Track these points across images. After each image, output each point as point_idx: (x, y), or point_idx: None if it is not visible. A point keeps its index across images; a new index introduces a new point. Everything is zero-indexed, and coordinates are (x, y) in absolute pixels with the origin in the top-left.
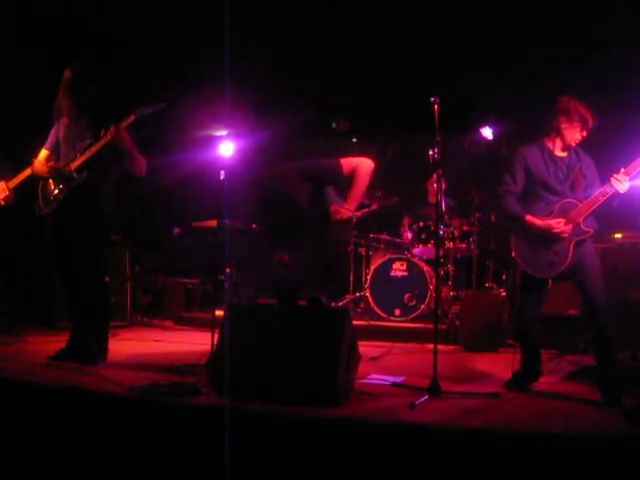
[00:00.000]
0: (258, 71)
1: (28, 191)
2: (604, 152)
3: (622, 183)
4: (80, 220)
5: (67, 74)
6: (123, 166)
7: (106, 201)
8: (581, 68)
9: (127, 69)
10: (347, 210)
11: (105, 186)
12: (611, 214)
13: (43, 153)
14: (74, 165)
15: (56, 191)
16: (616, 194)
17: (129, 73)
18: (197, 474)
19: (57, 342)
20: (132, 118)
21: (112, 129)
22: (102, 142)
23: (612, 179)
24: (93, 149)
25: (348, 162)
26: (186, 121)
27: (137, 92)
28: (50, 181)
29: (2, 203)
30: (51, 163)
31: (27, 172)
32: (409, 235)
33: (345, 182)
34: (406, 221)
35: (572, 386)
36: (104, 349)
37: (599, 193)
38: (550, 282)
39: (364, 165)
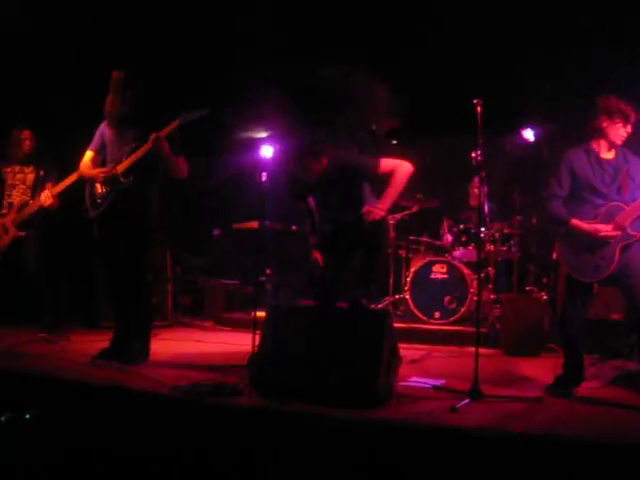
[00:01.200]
0: (300, 73)
1: (72, 193)
2: None
3: None
4: (126, 222)
5: (117, 74)
6: (166, 169)
7: (152, 204)
8: (625, 69)
9: (172, 70)
10: (380, 210)
11: (151, 189)
12: None
13: (88, 155)
14: (120, 168)
15: (103, 194)
16: None
17: (174, 74)
18: (238, 475)
19: (100, 341)
20: (176, 123)
21: (152, 137)
22: (145, 148)
23: None
24: (139, 153)
25: (388, 162)
26: (229, 123)
27: (181, 94)
28: (97, 184)
29: (48, 208)
30: (97, 168)
31: (72, 178)
32: (449, 237)
33: (381, 181)
34: (446, 223)
35: (615, 391)
36: (147, 349)
37: None
38: (596, 286)
39: (403, 167)
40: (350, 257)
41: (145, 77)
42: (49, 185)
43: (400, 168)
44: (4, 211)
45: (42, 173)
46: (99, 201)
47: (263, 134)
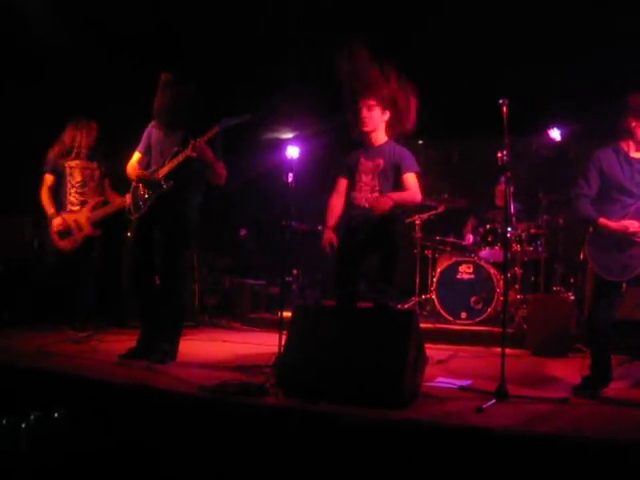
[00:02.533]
0: (325, 74)
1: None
2: None
3: None
4: (165, 225)
5: (165, 76)
6: (206, 175)
7: (192, 209)
8: None
9: (200, 72)
10: (389, 199)
11: (192, 194)
12: None
13: (136, 156)
14: (162, 173)
15: (145, 197)
16: None
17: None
18: (265, 474)
19: (128, 341)
20: (216, 130)
21: (193, 143)
22: (185, 154)
23: None
24: (180, 158)
25: (413, 180)
26: (256, 124)
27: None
28: (140, 186)
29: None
30: (139, 171)
31: (111, 208)
32: (470, 238)
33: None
34: (470, 223)
35: None
36: (174, 349)
37: None
38: (624, 286)
39: (417, 195)
40: (365, 256)
41: (192, 80)
42: (83, 217)
43: (415, 193)
44: (75, 208)
45: (103, 169)
46: (141, 204)
47: (289, 135)
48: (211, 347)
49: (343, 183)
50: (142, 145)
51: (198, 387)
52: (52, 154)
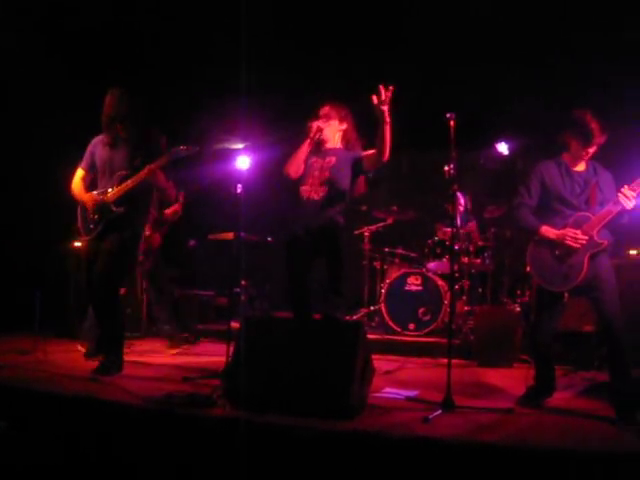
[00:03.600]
0: (275, 84)
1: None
2: (624, 166)
3: (628, 199)
4: (110, 242)
5: (114, 93)
6: (157, 195)
7: (140, 229)
8: (599, 82)
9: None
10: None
11: (141, 217)
12: (625, 230)
13: (79, 173)
14: (113, 197)
15: (95, 220)
16: (623, 210)
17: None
18: None
19: (74, 351)
20: (165, 160)
21: (147, 169)
22: (137, 179)
23: (619, 195)
24: (130, 183)
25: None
26: (204, 134)
27: (156, 105)
28: (90, 207)
29: None
30: (89, 194)
31: None
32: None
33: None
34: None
35: (586, 402)
36: (120, 360)
37: (608, 208)
38: (566, 296)
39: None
40: (312, 261)
41: (141, 99)
42: None
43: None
44: None
45: None
46: (92, 226)
47: (239, 145)
48: (158, 358)
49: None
50: (85, 162)
51: (144, 398)
52: None
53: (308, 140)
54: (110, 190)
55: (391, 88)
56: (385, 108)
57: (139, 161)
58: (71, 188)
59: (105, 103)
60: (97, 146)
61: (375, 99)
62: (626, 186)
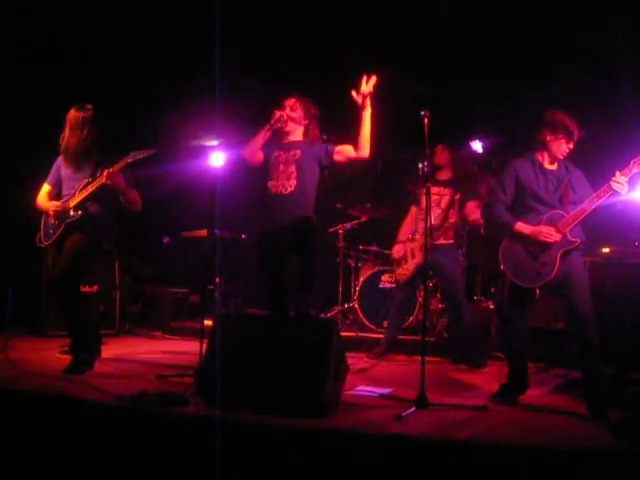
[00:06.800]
0: (249, 80)
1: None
2: (595, 165)
3: (622, 185)
4: (71, 245)
5: (75, 113)
6: (121, 202)
7: (104, 232)
8: (571, 82)
9: (120, 81)
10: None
11: (103, 221)
12: (599, 228)
13: (45, 188)
14: (72, 203)
15: (54, 225)
16: (618, 196)
17: (121, 85)
18: None
19: (45, 350)
20: (124, 162)
21: (106, 173)
22: (97, 183)
23: (612, 182)
24: (90, 188)
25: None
26: (177, 131)
27: (129, 102)
28: (50, 216)
29: None
30: (50, 203)
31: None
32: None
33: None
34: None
35: (558, 399)
36: (92, 358)
37: (582, 207)
38: (538, 292)
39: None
40: (285, 258)
41: (101, 117)
42: None
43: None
44: None
45: None
46: (51, 232)
47: (213, 142)
48: (132, 356)
49: None
50: (51, 177)
51: (116, 397)
52: None
53: (267, 126)
54: (72, 198)
55: (374, 77)
56: (367, 95)
57: (99, 168)
58: (36, 202)
59: (66, 134)
60: (62, 162)
61: (356, 91)
62: (618, 172)
